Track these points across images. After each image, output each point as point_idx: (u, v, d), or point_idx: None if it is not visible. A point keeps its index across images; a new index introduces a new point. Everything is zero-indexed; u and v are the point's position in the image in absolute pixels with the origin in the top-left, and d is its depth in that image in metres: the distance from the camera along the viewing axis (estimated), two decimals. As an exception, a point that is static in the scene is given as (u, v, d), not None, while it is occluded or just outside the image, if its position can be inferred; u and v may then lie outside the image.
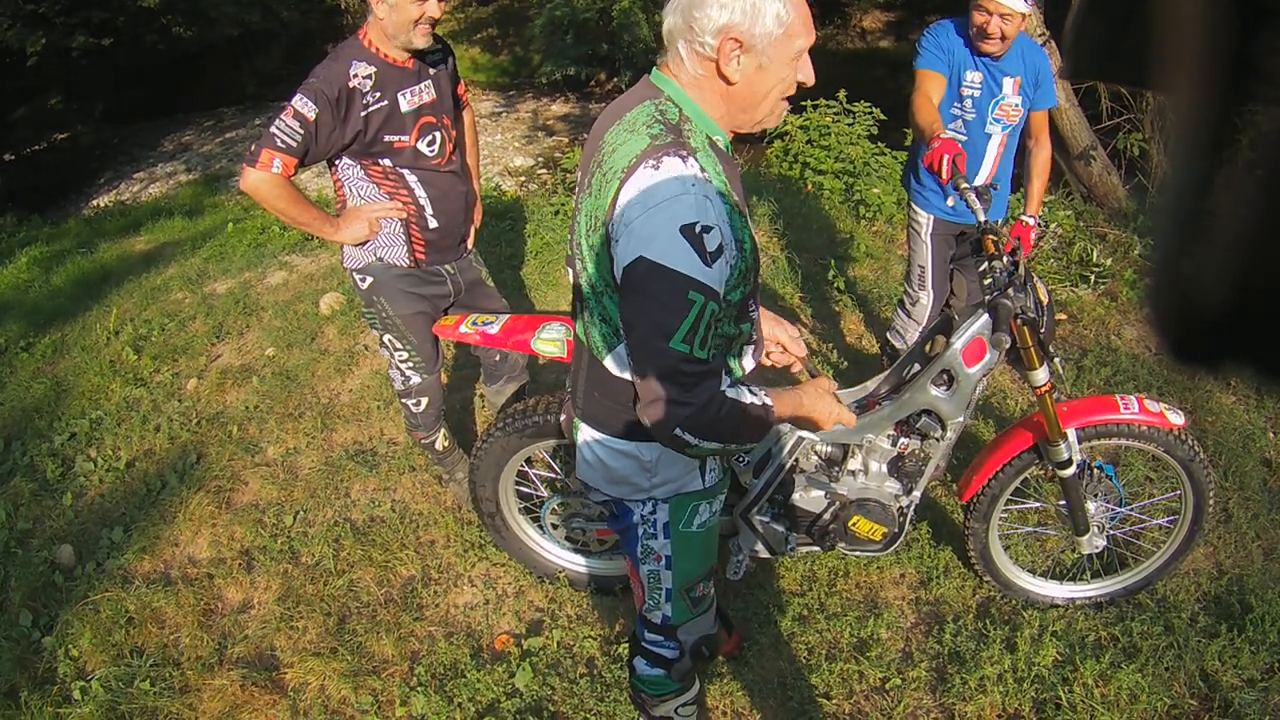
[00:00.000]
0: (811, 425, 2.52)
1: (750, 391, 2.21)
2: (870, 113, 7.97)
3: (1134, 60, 0.54)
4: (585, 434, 2.49)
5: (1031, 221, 4.22)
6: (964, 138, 4.15)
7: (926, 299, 4.47)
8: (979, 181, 4.22)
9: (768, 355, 2.81)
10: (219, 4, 19.92)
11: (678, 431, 2.07)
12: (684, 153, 2.01)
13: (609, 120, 2.22)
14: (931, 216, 4.34)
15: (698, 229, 1.94)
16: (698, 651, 2.83)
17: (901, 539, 3.34)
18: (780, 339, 2.84)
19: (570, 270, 2.39)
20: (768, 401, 2.23)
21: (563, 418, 2.71)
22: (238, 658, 3.94)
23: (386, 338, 3.97)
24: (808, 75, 2.19)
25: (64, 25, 17.79)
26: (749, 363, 2.48)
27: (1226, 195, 0.46)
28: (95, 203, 15.04)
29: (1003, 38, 3.87)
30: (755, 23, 1.99)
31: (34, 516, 5.13)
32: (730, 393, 2.14)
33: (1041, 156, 4.33)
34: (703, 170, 2.01)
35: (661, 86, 2.16)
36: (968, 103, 4.11)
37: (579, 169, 2.33)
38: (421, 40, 3.42)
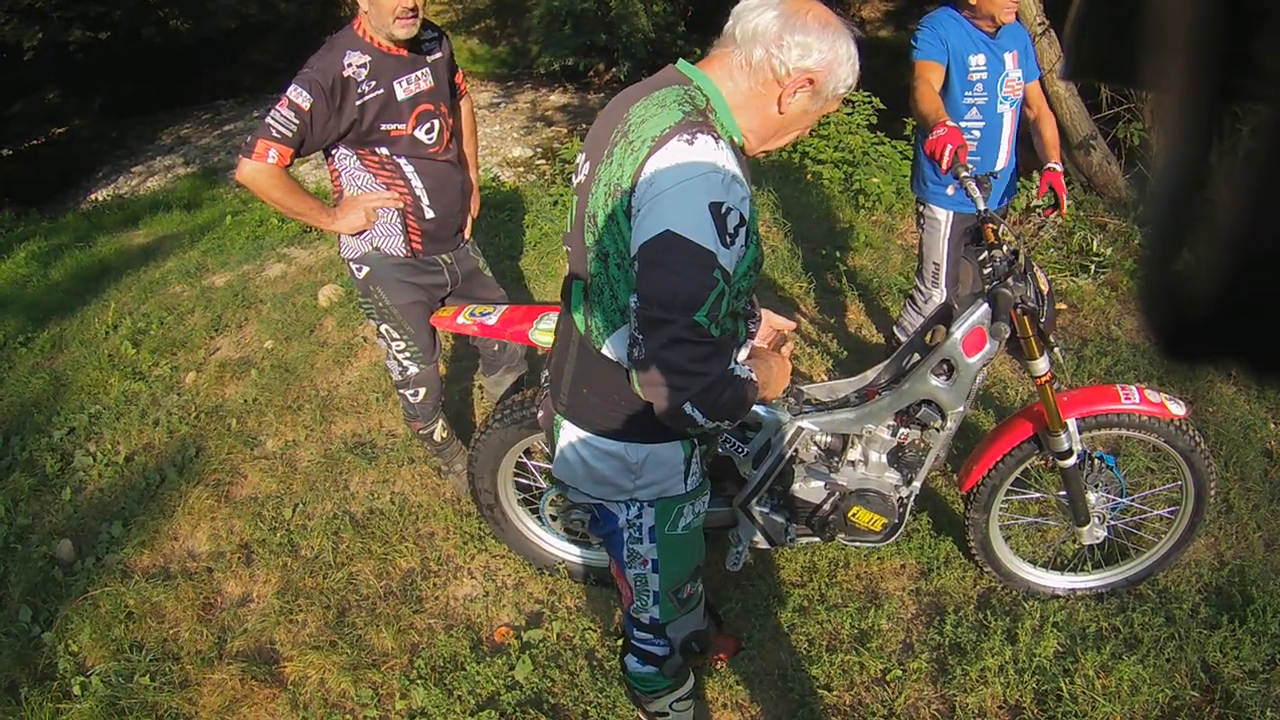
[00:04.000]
0: (767, 394, 2.54)
1: (742, 368, 2.25)
2: (869, 101, 7.96)
3: (1133, 60, 0.54)
4: (569, 433, 2.47)
5: (1059, 168, 4.24)
6: (982, 123, 4.19)
7: (939, 296, 4.48)
8: (1000, 164, 4.25)
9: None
10: (214, -5, 19.98)
11: (687, 407, 2.07)
12: (715, 134, 2.03)
13: (635, 95, 2.23)
14: (950, 213, 4.34)
15: (723, 209, 1.97)
16: (688, 647, 2.83)
17: (901, 529, 3.34)
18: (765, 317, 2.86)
19: (568, 249, 2.39)
20: (754, 377, 2.26)
21: (540, 414, 2.70)
22: (237, 651, 3.94)
23: (384, 328, 3.98)
24: (807, 133, 2.36)
25: (60, 19, 17.84)
26: (743, 354, 2.49)
27: (1223, 189, 0.47)
28: (93, 197, 15.04)
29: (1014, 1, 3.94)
30: (830, 76, 2.11)
31: (33, 511, 5.14)
32: (739, 371, 2.19)
33: (1047, 120, 4.38)
34: (730, 154, 2.04)
35: (690, 76, 2.20)
36: (978, 86, 4.13)
37: (587, 143, 2.33)
38: (402, 30, 3.41)
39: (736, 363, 2.27)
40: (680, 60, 2.25)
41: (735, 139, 2.18)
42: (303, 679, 3.78)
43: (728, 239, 1.98)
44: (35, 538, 4.91)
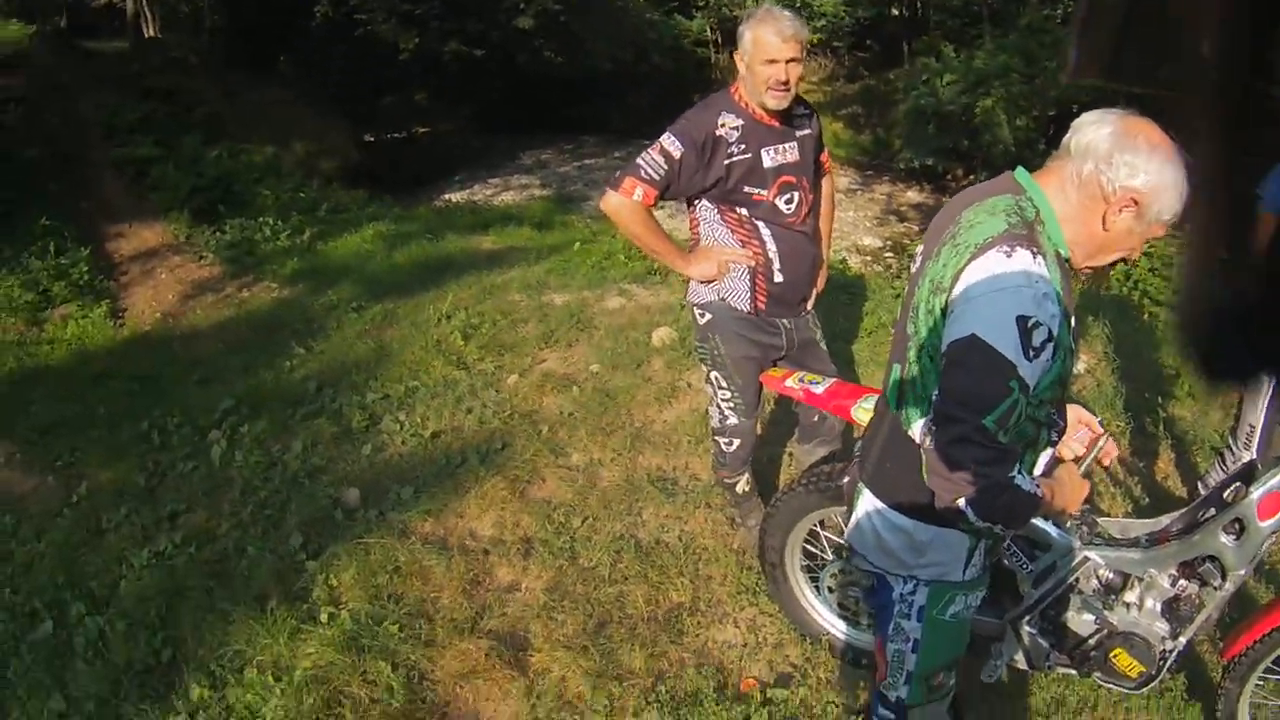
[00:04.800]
0: (1062, 509, 2.74)
1: (1028, 480, 2.42)
2: None
3: (1135, 60, 0.60)
4: (866, 501, 2.83)
5: None
6: None
7: (1249, 458, 4.53)
8: None
9: (1064, 444, 3.07)
10: (593, 38, 21.72)
11: (962, 504, 2.36)
12: (1036, 249, 2.31)
13: (967, 199, 2.54)
14: (1275, 378, 4.40)
15: (1030, 323, 2.24)
16: None
17: (1157, 682, 3.46)
18: (1083, 418, 3.12)
19: (895, 330, 2.79)
20: (1039, 491, 2.43)
21: (845, 480, 3.08)
22: (490, 630, 4.49)
23: (713, 374, 4.49)
24: (1135, 254, 2.58)
25: (438, 30, 20.20)
26: (1042, 462, 2.80)
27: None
28: (447, 197, 16.64)
29: None
30: (1156, 200, 2.30)
31: (329, 456, 5.99)
32: (1020, 481, 2.35)
33: None
34: (1047, 271, 2.31)
35: (1025, 185, 2.48)
36: None
37: (926, 237, 2.70)
38: (773, 101, 3.96)
39: (1025, 473, 2.41)
40: (1019, 168, 2.56)
41: (1061, 252, 2.45)
42: (545, 671, 4.26)
43: (1031, 352, 2.25)
44: (325, 479, 5.76)
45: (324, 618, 4.48)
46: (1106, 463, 3.09)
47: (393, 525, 5.13)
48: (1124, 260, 2.60)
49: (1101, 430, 3.11)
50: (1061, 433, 2.87)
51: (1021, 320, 2.23)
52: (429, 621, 4.49)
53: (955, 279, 2.37)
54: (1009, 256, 2.29)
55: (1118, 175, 2.31)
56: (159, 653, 4.54)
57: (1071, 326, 2.52)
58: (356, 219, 12.42)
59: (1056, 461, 2.89)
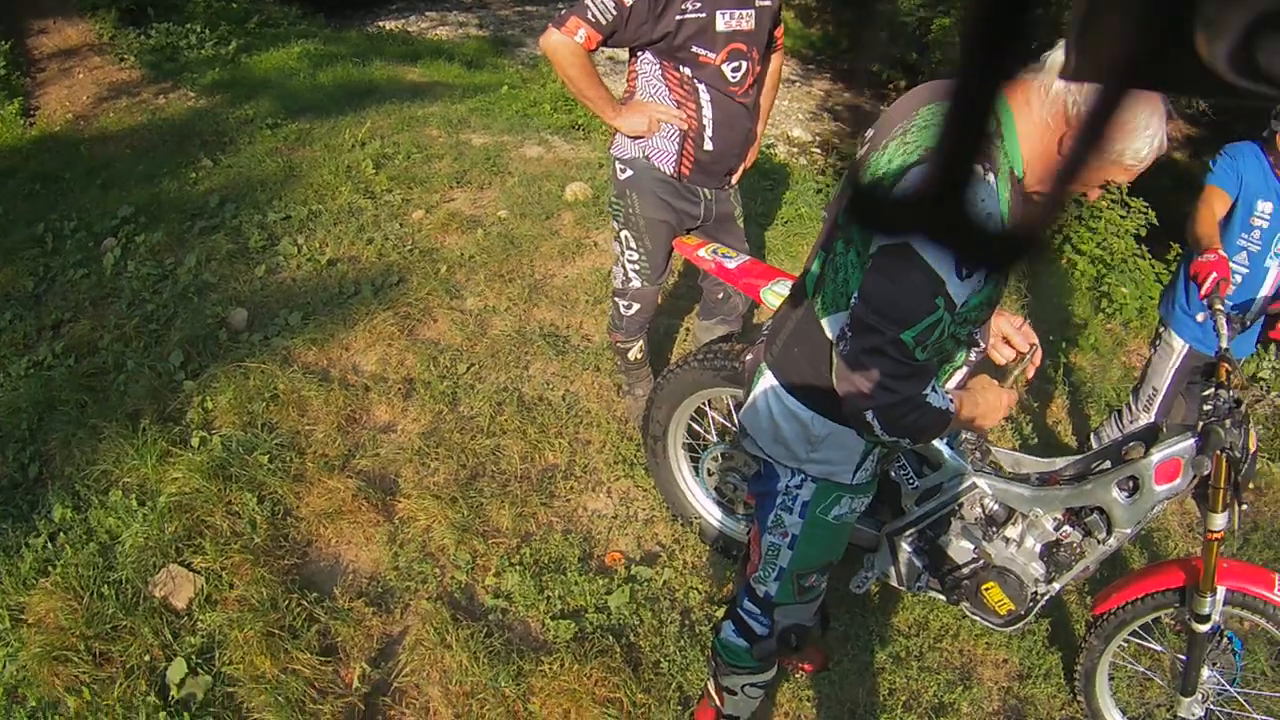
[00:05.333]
0: (979, 424, 2.63)
1: (941, 396, 2.35)
2: (1145, 212, 7.93)
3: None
4: (766, 382, 2.67)
5: None
6: (1245, 269, 4.28)
7: (1146, 421, 4.60)
8: (1249, 316, 4.30)
9: (992, 348, 2.89)
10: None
11: (869, 416, 2.26)
12: (987, 164, 2.09)
13: (927, 95, 2.33)
14: (1187, 346, 4.47)
15: None
16: (785, 637, 2.99)
17: (1023, 624, 3.45)
18: (1005, 331, 2.88)
19: (825, 218, 2.58)
20: (951, 408, 2.36)
21: (748, 357, 2.89)
22: (360, 470, 4.36)
23: (624, 234, 4.29)
24: (1092, 195, 2.45)
25: None
26: (959, 376, 2.67)
27: None
28: (381, 24, 16.07)
29: None
30: (1120, 138, 2.12)
31: (222, 274, 5.76)
32: (931, 399, 2.28)
33: None
34: (995, 190, 2.12)
35: None
36: (1255, 233, 4.24)
37: (878, 124, 2.45)
38: None
39: (938, 389, 2.35)
40: None
41: (1016, 171, 2.23)
42: (410, 519, 4.16)
43: (964, 270, 2.07)
44: (214, 297, 5.54)
45: (195, 441, 4.34)
46: (1030, 375, 2.90)
47: (276, 351, 4.95)
48: (1079, 200, 2.40)
49: (1033, 341, 2.90)
50: (982, 353, 2.73)
51: None
52: (300, 455, 4.36)
53: (898, 178, 2.16)
54: None
55: (1084, 99, 2.03)
56: (26, 468, 4.42)
57: None
58: (285, 35, 11.87)
59: (975, 373, 2.77)
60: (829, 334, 2.38)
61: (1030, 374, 2.86)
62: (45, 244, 6.32)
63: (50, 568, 3.76)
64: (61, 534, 3.94)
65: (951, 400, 2.38)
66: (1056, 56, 2.14)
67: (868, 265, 2.21)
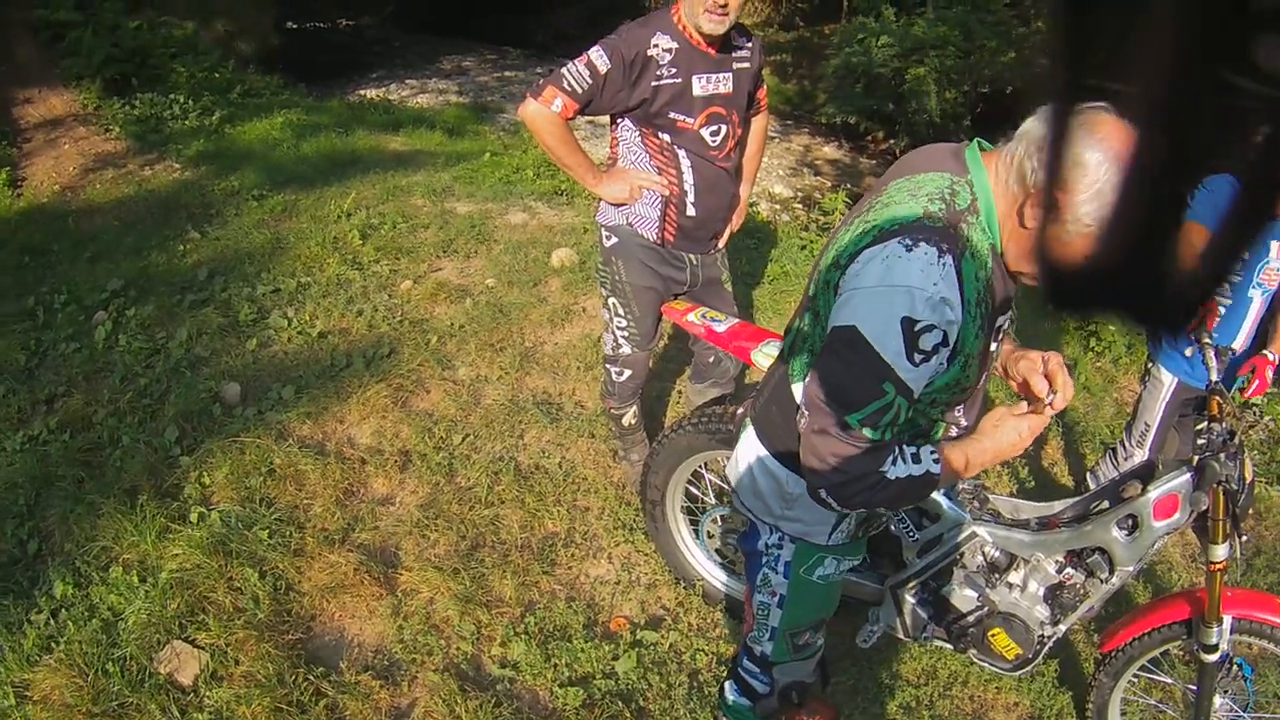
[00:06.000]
0: (1000, 458, 2.52)
1: (914, 460, 2.23)
2: None
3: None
4: (748, 438, 2.66)
5: (1273, 357, 4.32)
6: (1228, 301, 4.28)
7: (1141, 456, 4.60)
8: (1236, 345, 4.33)
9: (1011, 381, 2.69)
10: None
11: (823, 494, 2.21)
12: (946, 245, 2.00)
13: (908, 168, 2.25)
14: (1176, 380, 4.46)
15: (918, 327, 1.97)
16: (786, 695, 2.96)
17: (1031, 667, 3.42)
18: (1024, 374, 2.57)
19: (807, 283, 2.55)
20: (933, 470, 2.24)
21: (739, 411, 2.89)
22: (361, 543, 4.29)
23: (612, 300, 4.28)
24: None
25: None
26: (954, 432, 2.55)
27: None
28: (362, 93, 16.17)
29: None
30: (1078, 204, 1.85)
31: (213, 348, 5.71)
32: (890, 473, 2.17)
33: None
34: (958, 272, 2.02)
35: (970, 166, 2.15)
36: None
37: (863, 197, 2.41)
38: (708, 25, 3.66)
39: (906, 458, 2.21)
40: (978, 142, 2.21)
41: (997, 246, 2.13)
42: (413, 592, 4.09)
43: (918, 356, 2.00)
44: (207, 371, 5.47)
45: (194, 517, 4.27)
46: (1058, 408, 2.55)
47: (270, 425, 4.88)
48: None
49: (1058, 385, 2.52)
50: (965, 431, 2.56)
51: (908, 323, 1.98)
52: (299, 529, 4.29)
53: (852, 259, 2.10)
54: (908, 250, 2.00)
55: (1040, 164, 1.98)
56: (25, 544, 4.31)
57: (998, 328, 2.26)
58: (268, 105, 11.91)
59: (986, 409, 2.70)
60: (798, 400, 2.33)
61: (1058, 408, 2.53)
62: (36, 317, 6.21)
63: (54, 644, 3.68)
64: (64, 610, 3.85)
65: (937, 457, 2.27)
66: (1028, 121, 2.06)
67: (821, 344, 2.18)
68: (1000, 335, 2.36)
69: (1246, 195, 0.55)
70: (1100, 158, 1.81)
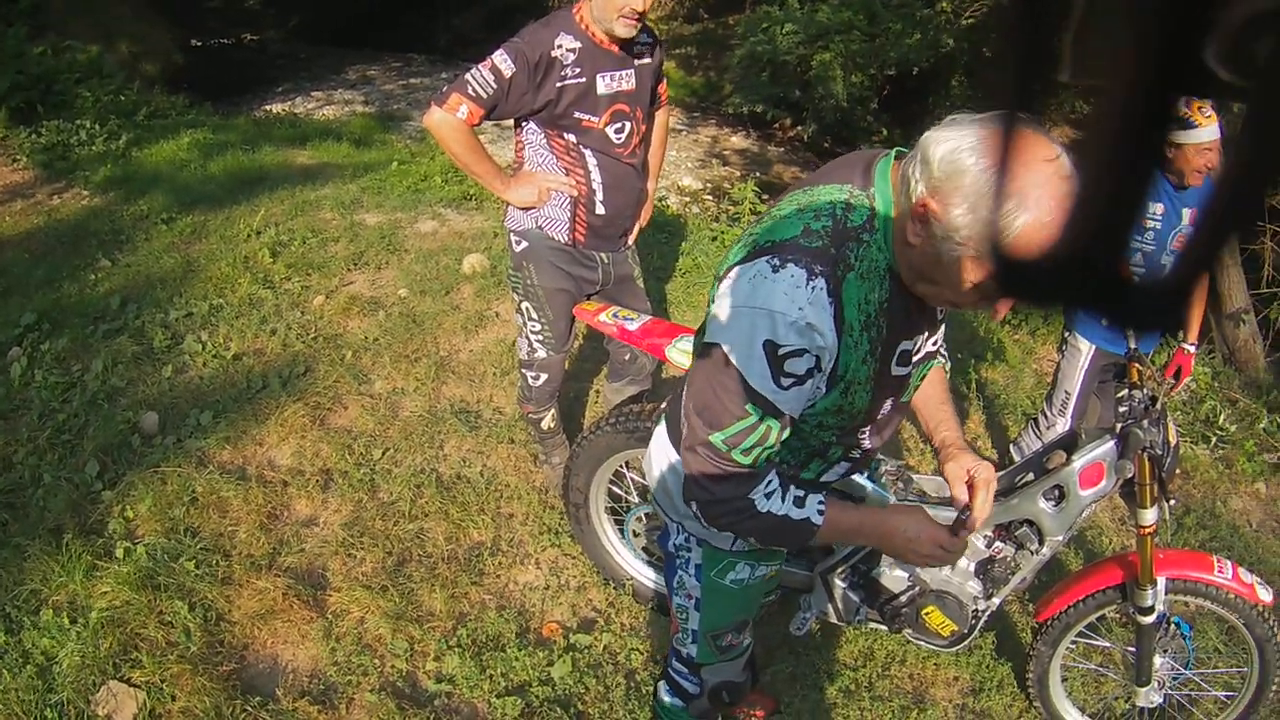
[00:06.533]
0: (893, 553, 2.42)
1: (796, 504, 2.16)
2: None
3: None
4: (659, 434, 2.61)
5: (1192, 349, 4.48)
6: (1141, 270, 4.34)
7: (1063, 425, 4.66)
8: None
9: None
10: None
11: (693, 507, 2.17)
12: (820, 268, 1.86)
13: (814, 179, 2.08)
14: (1093, 347, 4.53)
15: (782, 351, 1.86)
16: (717, 695, 2.95)
17: (968, 642, 3.43)
18: (949, 477, 2.59)
19: None
20: (814, 520, 2.16)
21: (662, 408, 2.84)
22: (288, 567, 4.24)
23: (524, 305, 4.25)
24: (998, 314, 2.29)
25: None
26: (855, 454, 2.42)
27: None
28: (267, 108, 15.95)
29: (1209, 168, 4.07)
30: (951, 218, 1.75)
31: (130, 378, 5.58)
32: (762, 505, 2.10)
33: (1202, 295, 4.52)
34: (833, 295, 1.88)
35: (878, 180, 1.96)
36: (1149, 234, 4.32)
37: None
38: (622, 29, 3.67)
39: (785, 497, 2.15)
40: (896, 151, 1.99)
41: (894, 266, 1.97)
42: (344, 612, 4.06)
43: (785, 379, 1.89)
44: (124, 402, 5.36)
45: (120, 553, 4.18)
46: (970, 528, 2.50)
47: (190, 453, 4.80)
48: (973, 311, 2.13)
49: (980, 492, 2.54)
50: (866, 454, 2.44)
51: (770, 346, 1.86)
52: (225, 557, 4.22)
53: (725, 274, 1.99)
54: (775, 271, 1.86)
55: (923, 173, 1.78)
56: (-46, 593, 4.21)
57: (907, 352, 2.15)
58: (175, 126, 11.65)
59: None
60: None
61: (967, 532, 2.48)
62: (-52, 357, 6.08)
63: (-11, 695, 3.60)
64: (-2, 657, 3.78)
65: (822, 509, 2.18)
66: (928, 133, 1.83)
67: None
68: (918, 359, 2.25)
69: (1228, 188, 0.51)
70: (980, 166, 1.68)
